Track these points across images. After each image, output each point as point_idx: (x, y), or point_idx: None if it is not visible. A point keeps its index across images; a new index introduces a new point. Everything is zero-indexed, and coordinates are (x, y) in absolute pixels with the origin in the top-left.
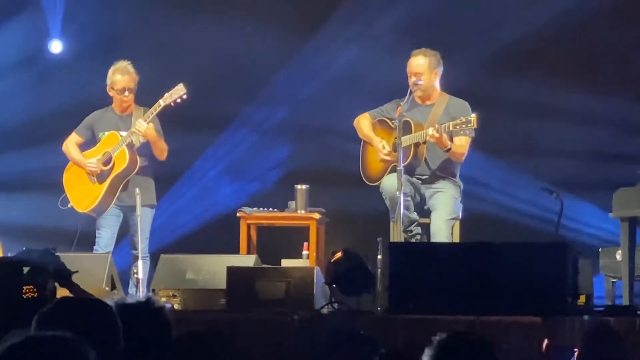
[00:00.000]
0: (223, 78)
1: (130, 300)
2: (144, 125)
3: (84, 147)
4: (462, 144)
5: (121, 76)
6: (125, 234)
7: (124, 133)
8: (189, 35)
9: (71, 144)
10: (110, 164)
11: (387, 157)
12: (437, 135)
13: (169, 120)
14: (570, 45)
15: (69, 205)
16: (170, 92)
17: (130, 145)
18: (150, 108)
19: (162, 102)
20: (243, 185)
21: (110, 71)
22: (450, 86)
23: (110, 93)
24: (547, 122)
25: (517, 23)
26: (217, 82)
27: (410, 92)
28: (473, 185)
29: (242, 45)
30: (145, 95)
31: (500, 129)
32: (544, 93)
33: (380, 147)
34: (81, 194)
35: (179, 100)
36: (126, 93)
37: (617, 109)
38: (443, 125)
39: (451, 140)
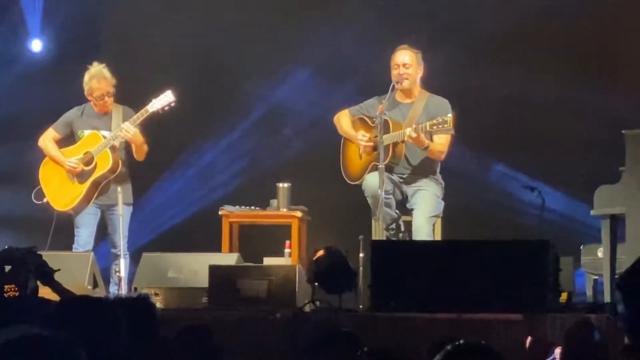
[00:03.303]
0: (204, 74)
1: (124, 296)
2: (132, 130)
3: (61, 144)
4: (441, 142)
5: (98, 83)
6: (104, 232)
7: (105, 133)
8: (169, 32)
9: (49, 140)
10: (92, 165)
11: (369, 144)
12: (414, 135)
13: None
14: (552, 36)
15: (44, 200)
16: (158, 98)
17: (113, 148)
18: (129, 106)
19: (149, 109)
20: (224, 183)
21: (86, 77)
22: (431, 79)
23: (89, 98)
24: (529, 114)
25: (498, 14)
26: (197, 79)
27: (393, 88)
28: (455, 180)
29: (224, 41)
30: (125, 93)
31: (483, 121)
32: (526, 85)
33: (360, 136)
34: (59, 191)
35: (167, 108)
36: (105, 98)
37: (602, 102)
38: (420, 126)
39: (431, 138)
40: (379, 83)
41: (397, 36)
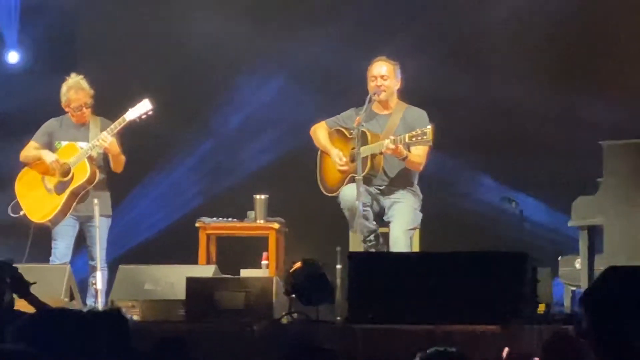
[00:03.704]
0: (181, 83)
1: (97, 309)
2: (108, 139)
3: None
4: (419, 153)
5: (75, 94)
6: (81, 244)
7: (82, 144)
8: (147, 43)
9: (30, 149)
10: (69, 176)
11: (345, 168)
12: (392, 147)
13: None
14: (533, 44)
15: (21, 213)
16: (135, 107)
17: (91, 158)
18: (106, 118)
19: (126, 118)
20: (200, 194)
21: (64, 88)
22: (410, 87)
23: (67, 109)
24: (509, 123)
25: (476, 21)
26: (174, 88)
27: (370, 100)
28: (434, 191)
29: (201, 49)
30: (102, 104)
31: (462, 130)
32: (506, 94)
33: (336, 158)
34: (37, 203)
35: (144, 117)
36: (83, 109)
37: (584, 111)
38: (399, 137)
39: (409, 149)
40: (357, 92)
41: (374, 45)
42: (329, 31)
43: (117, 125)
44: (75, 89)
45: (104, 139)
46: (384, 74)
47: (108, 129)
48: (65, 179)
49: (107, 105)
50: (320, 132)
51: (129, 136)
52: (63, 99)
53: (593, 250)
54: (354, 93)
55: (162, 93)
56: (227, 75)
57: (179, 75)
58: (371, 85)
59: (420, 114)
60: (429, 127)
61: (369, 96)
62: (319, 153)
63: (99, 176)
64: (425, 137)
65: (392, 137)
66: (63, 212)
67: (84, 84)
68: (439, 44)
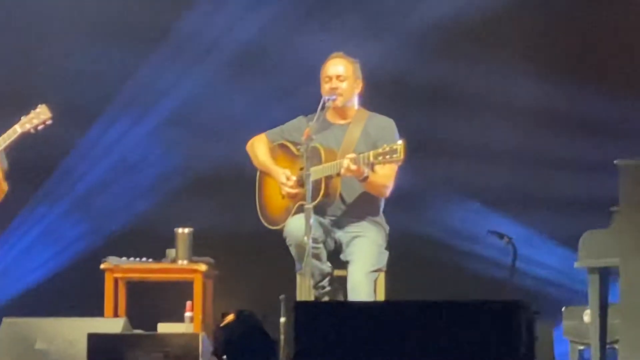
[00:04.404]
0: (74, 93)
1: None
2: None
3: None
4: (385, 173)
5: None
6: None
7: None
8: (39, 50)
9: None
10: None
11: (292, 191)
12: (354, 168)
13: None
14: (505, 32)
15: None
16: (30, 115)
17: None
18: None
19: (18, 129)
20: (107, 226)
21: None
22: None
23: None
24: (491, 129)
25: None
26: (66, 99)
27: (323, 106)
28: (403, 222)
29: (91, 52)
30: None
31: (439, 143)
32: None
33: (282, 178)
34: None
35: (41, 127)
36: None
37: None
38: (362, 156)
39: (372, 168)
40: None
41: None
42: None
43: (7, 138)
44: None
45: None
46: (340, 73)
47: None
48: None
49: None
50: (259, 148)
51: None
52: None
53: (606, 297)
54: (302, 96)
55: (63, 101)
56: (124, 77)
57: (84, 81)
58: (324, 87)
59: (386, 124)
60: (400, 142)
61: (321, 101)
62: (257, 174)
63: None
64: (395, 155)
65: (352, 155)
66: None
67: None
68: (403, 27)
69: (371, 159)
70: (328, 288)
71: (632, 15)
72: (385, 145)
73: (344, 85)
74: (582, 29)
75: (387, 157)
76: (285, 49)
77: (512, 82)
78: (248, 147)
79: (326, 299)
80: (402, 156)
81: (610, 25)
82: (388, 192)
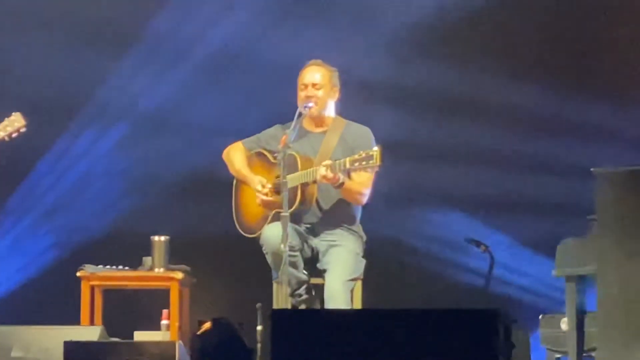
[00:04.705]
0: (43, 99)
1: None
2: None
3: None
4: (361, 180)
5: None
6: None
7: None
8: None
9: None
10: None
11: (267, 198)
12: (330, 175)
13: None
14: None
15: None
16: (4, 123)
17: None
18: None
19: None
20: (82, 234)
21: None
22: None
23: None
24: (474, 138)
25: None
26: (35, 105)
27: (299, 114)
28: (380, 231)
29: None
30: None
31: (416, 148)
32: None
33: (258, 186)
34: None
35: (15, 135)
36: None
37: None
38: (338, 163)
39: (349, 175)
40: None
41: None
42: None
43: None
44: None
45: None
46: (316, 81)
47: None
48: None
49: None
50: (235, 156)
51: None
52: None
53: (583, 306)
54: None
55: (35, 106)
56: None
57: (55, 89)
58: (301, 95)
59: (363, 132)
60: (376, 148)
61: (298, 110)
62: (234, 183)
63: None
64: (371, 161)
65: (328, 162)
66: None
67: None
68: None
69: (347, 165)
70: (305, 296)
71: (610, 18)
72: (361, 152)
73: (320, 93)
74: (560, 30)
75: (364, 163)
76: (261, 52)
77: (490, 84)
78: (224, 155)
79: (303, 307)
80: (378, 162)
81: (589, 27)
82: (364, 200)
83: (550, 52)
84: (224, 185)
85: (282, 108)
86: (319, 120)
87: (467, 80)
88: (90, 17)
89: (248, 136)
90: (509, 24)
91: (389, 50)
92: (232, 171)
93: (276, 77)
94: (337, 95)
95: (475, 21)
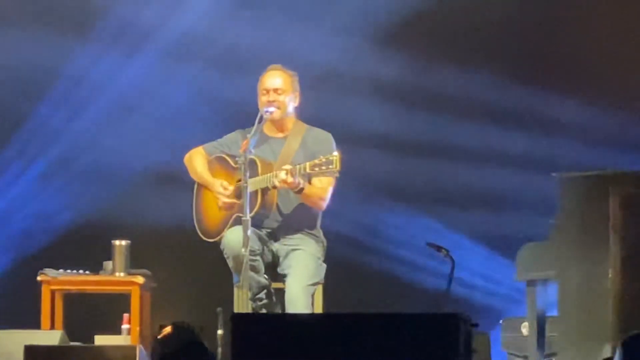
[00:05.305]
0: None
1: None
2: None
3: None
4: (322, 186)
5: None
6: None
7: None
8: None
9: None
10: None
11: (229, 200)
12: (289, 180)
13: None
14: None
15: None
16: None
17: None
18: None
19: None
20: (43, 237)
21: None
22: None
23: None
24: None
25: None
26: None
27: (260, 119)
28: (340, 235)
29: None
30: None
31: (377, 153)
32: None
33: (219, 188)
34: None
35: None
36: None
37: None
38: (298, 167)
39: (309, 181)
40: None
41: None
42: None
43: None
44: None
45: None
46: (277, 86)
47: None
48: None
49: None
50: (197, 160)
51: None
52: None
53: (544, 310)
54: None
55: None
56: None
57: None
58: (262, 100)
59: (325, 137)
60: (336, 153)
61: (259, 114)
62: (195, 187)
63: None
64: (331, 166)
65: (288, 167)
66: None
67: None
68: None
69: (307, 170)
70: (265, 300)
71: (574, 12)
72: (321, 157)
73: (281, 98)
74: (521, 22)
75: (323, 167)
76: (225, 38)
77: (451, 77)
78: (186, 160)
79: (263, 311)
80: (337, 167)
81: (555, 20)
82: (324, 205)
83: (506, 43)
84: (185, 190)
85: (243, 96)
86: (280, 125)
87: (425, 73)
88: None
89: (208, 129)
90: (469, 17)
91: (347, 40)
92: (193, 175)
93: (237, 65)
94: (297, 99)
95: (433, 12)
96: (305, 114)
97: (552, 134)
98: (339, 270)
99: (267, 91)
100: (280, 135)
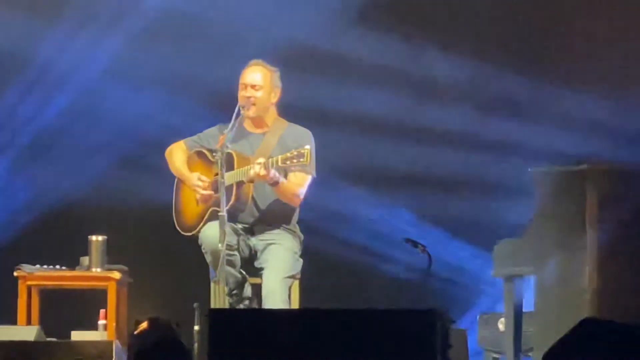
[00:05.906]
0: None
1: None
2: None
3: None
4: (297, 181)
5: None
6: None
7: None
8: None
9: None
10: None
11: (206, 192)
12: (263, 173)
13: None
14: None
15: None
16: None
17: None
18: None
19: None
20: (18, 232)
21: None
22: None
23: None
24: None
25: None
26: None
27: (238, 113)
28: (316, 230)
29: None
30: None
31: (351, 145)
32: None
33: (195, 180)
34: None
35: None
36: None
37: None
38: (270, 160)
39: (285, 176)
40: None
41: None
42: None
43: None
44: None
45: None
46: (256, 82)
47: None
48: None
49: None
50: (176, 155)
51: None
52: None
53: (520, 306)
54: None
55: None
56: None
57: None
58: (241, 95)
59: (303, 134)
60: (307, 147)
61: (237, 109)
62: (175, 181)
63: None
64: (302, 159)
65: (262, 160)
66: None
67: None
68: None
69: (279, 162)
70: (242, 295)
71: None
72: (293, 150)
73: (258, 94)
74: (510, 5)
75: (294, 161)
76: (202, 18)
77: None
78: (166, 154)
79: (240, 306)
80: (307, 161)
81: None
82: (299, 200)
83: (495, 25)
84: (164, 184)
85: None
86: (258, 122)
87: (403, 53)
88: None
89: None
90: None
91: (329, 19)
92: (172, 169)
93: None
94: (277, 95)
95: None
96: (282, 95)
97: (541, 121)
98: (316, 265)
99: (246, 86)
100: (259, 131)
